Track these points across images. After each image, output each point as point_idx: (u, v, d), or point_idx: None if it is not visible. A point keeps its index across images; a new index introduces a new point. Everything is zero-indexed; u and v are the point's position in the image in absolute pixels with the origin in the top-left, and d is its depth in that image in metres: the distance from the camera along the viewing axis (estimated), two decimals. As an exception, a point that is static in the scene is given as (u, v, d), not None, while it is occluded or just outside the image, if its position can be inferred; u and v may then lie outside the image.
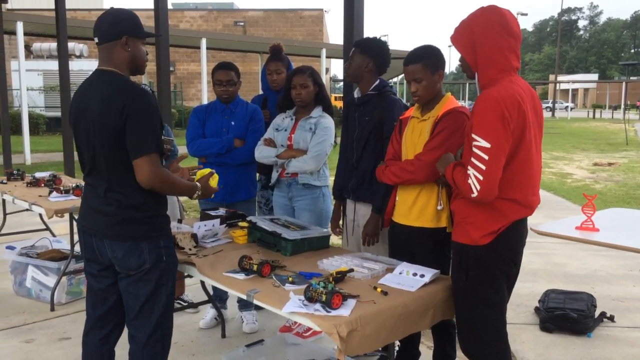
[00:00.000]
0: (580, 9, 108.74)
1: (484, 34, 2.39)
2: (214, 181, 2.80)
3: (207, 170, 2.82)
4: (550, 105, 50.62)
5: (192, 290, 4.60)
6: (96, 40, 2.44)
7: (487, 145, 2.30)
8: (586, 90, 75.42)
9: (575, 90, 70.32)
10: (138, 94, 2.36)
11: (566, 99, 60.01)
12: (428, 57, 2.84)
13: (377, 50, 3.31)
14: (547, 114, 45.64)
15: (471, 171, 2.34)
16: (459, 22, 2.49)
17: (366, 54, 3.27)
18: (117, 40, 2.41)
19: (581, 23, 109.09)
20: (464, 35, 2.45)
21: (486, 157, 2.30)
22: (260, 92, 4.45)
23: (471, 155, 2.35)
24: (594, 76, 77.52)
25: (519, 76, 2.47)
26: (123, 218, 2.40)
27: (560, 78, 62.37)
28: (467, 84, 48.67)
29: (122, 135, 2.33)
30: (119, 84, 2.39)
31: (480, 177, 2.32)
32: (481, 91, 2.41)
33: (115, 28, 2.41)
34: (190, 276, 2.87)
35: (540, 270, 5.61)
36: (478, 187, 2.32)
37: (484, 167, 2.31)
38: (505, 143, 2.30)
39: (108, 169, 2.39)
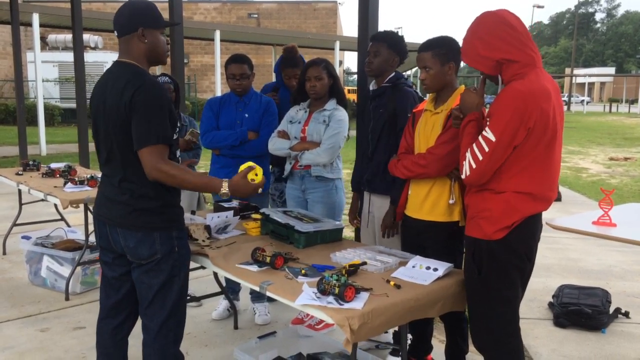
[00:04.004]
0: (597, 2, 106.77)
1: (493, 38, 2.35)
2: (253, 174, 2.47)
3: (246, 165, 2.51)
4: (565, 99, 50.04)
5: (202, 282, 4.63)
6: (116, 33, 2.47)
7: (492, 138, 2.29)
8: (602, 84, 74.44)
9: (591, 84, 69.47)
10: (145, 85, 2.34)
11: (582, 93, 59.33)
12: (440, 46, 2.81)
13: (403, 46, 3.28)
14: (562, 108, 45.06)
15: (468, 155, 2.36)
16: (462, 42, 2.46)
17: (394, 49, 3.24)
18: (134, 32, 2.43)
19: (598, 16, 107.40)
20: (474, 50, 2.41)
21: (487, 149, 2.31)
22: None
23: (475, 141, 2.35)
24: (611, 70, 76.41)
25: (544, 70, 2.42)
26: (137, 207, 2.42)
27: (576, 71, 61.63)
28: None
29: (129, 125, 2.35)
30: (131, 76, 2.39)
31: (474, 165, 2.34)
32: (505, 85, 2.37)
33: (132, 20, 2.43)
34: (203, 267, 2.89)
35: (555, 265, 5.57)
36: (468, 173, 2.37)
37: (480, 158, 2.32)
38: (512, 140, 2.28)
39: (123, 159, 2.42)
